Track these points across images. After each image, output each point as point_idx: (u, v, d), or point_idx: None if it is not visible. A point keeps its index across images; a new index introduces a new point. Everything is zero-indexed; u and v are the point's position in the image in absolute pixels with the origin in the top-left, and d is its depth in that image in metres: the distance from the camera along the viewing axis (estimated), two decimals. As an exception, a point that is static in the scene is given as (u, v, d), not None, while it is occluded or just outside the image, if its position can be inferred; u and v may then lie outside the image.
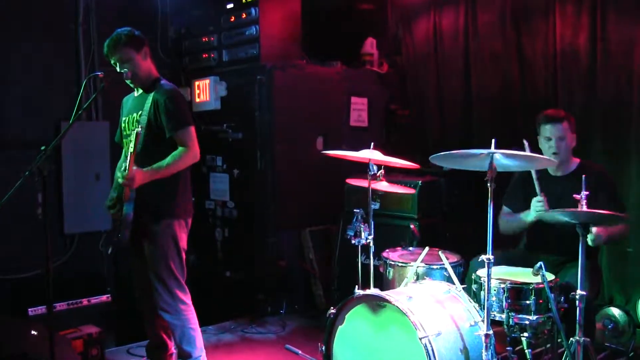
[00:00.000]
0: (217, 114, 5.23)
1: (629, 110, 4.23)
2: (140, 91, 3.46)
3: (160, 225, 3.32)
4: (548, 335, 3.04)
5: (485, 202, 2.76)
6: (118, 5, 5.24)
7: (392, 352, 2.95)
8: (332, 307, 3.21)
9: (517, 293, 2.95)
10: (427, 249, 3.54)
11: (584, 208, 2.82)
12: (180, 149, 3.29)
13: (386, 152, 3.49)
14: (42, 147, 2.77)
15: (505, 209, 3.71)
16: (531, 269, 2.88)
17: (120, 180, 3.17)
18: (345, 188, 4.79)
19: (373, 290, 3.19)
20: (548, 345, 3.16)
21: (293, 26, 5.22)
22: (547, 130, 3.48)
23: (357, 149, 3.51)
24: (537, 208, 3.38)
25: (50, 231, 2.89)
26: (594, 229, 3.06)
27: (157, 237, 3.31)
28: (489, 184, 2.73)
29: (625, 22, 4.21)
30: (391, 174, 3.88)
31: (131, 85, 3.48)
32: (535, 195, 3.37)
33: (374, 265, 3.42)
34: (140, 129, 3.20)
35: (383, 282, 3.63)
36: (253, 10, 4.98)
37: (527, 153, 3.10)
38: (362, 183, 3.58)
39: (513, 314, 2.94)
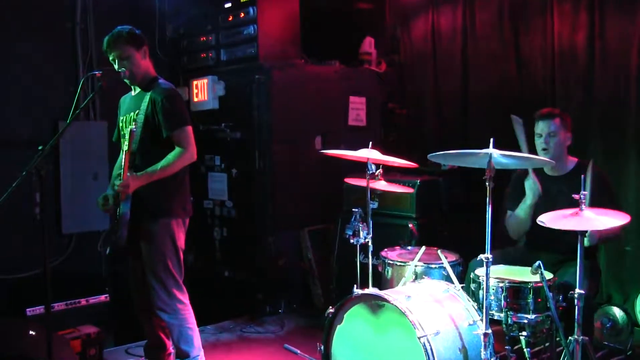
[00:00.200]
0: (216, 113, 5.22)
1: (627, 108, 4.23)
2: (138, 90, 3.45)
3: (157, 224, 3.31)
4: (547, 334, 3.04)
5: (484, 201, 2.76)
6: (116, 4, 5.22)
7: (391, 351, 2.95)
8: (330, 307, 3.21)
9: (515, 292, 2.95)
10: (423, 248, 3.54)
11: (584, 208, 2.81)
12: (176, 149, 3.28)
13: (384, 151, 3.48)
14: (40, 147, 2.77)
15: (509, 212, 3.69)
16: (530, 268, 2.89)
17: (115, 187, 3.20)
18: (344, 187, 4.78)
19: (372, 290, 3.19)
20: (547, 344, 3.18)
21: (291, 25, 5.21)
22: (538, 126, 3.50)
23: (355, 148, 3.51)
24: (529, 185, 3.39)
25: (48, 231, 2.89)
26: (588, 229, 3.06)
27: (154, 237, 3.31)
28: (487, 183, 2.73)
29: (623, 21, 4.21)
30: (389, 173, 3.88)
31: (129, 84, 3.47)
32: None
33: (373, 265, 3.42)
34: (134, 127, 3.19)
35: (382, 282, 3.63)
36: (251, 10, 4.96)
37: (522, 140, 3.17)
38: (360, 182, 3.58)
39: (512, 313, 2.94)
